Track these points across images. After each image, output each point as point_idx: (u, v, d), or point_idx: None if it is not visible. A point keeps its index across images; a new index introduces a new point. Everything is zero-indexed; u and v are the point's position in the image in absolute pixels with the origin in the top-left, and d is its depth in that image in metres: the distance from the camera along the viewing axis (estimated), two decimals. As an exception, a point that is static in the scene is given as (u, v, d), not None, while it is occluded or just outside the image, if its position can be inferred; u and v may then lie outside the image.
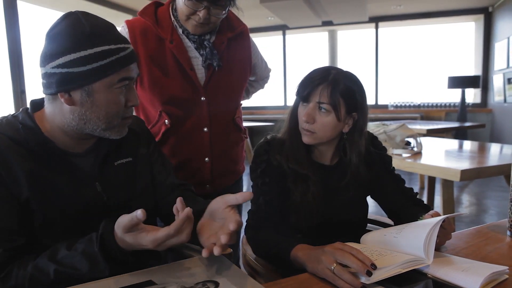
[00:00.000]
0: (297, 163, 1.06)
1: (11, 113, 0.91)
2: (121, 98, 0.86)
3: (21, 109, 0.90)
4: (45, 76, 0.82)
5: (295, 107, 1.08)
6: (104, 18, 0.87)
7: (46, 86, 0.83)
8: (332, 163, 1.11)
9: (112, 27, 0.86)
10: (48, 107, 0.87)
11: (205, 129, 1.29)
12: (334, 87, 0.99)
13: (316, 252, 0.81)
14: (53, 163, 0.86)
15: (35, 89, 3.42)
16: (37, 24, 4.49)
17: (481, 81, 5.79)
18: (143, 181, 1.00)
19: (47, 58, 0.81)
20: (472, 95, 6.14)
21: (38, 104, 0.91)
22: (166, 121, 1.27)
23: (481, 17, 5.89)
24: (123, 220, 0.74)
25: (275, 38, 6.96)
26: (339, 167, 1.10)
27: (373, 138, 1.19)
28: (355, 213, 1.14)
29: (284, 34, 6.90)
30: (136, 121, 1.08)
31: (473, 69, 6.13)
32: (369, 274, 0.71)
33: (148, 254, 0.83)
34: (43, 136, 0.86)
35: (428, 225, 0.82)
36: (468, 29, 6.28)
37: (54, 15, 4.59)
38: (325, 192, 1.06)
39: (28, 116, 0.87)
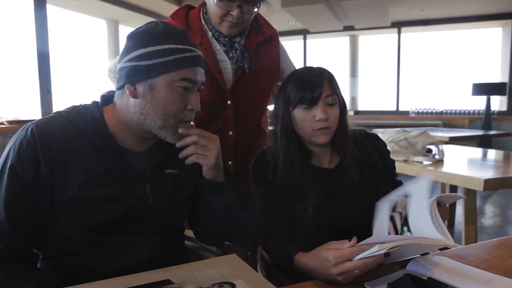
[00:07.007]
0: (292, 179, 1.03)
1: (82, 103, 0.93)
2: (181, 98, 0.87)
3: (91, 101, 0.94)
4: (119, 70, 0.88)
5: (288, 118, 1.06)
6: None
7: (118, 80, 0.89)
8: (331, 166, 1.11)
9: (185, 33, 0.91)
10: (117, 102, 0.90)
11: (230, 133, 1.30)
12: (330, 80, 1.06)
13: (323, 273, 0.79)
14: (110, 158, 0.87)
15: (60, 90, 3.52)
16: (64, 27, 4.64)
17: (508, 89, 5.62)
18: (185, 194, 0.99)
19: (122, 54, 0.88)
20: (498, 103, 5.97)
21: (107, 99, 0.94)
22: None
23: (509, 22, 5.73)
24: None
25: (296, 42, 6.95)
26: (340, 169, 1.09)
27: (375, 139, 1.16)
28: (367, 218, 1.11)
29: (305, 39, 6.88)
30: None
31: (499, 76, 5.96)
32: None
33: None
34: (107, 131, 0.88)
35: (424, 212, 0.78)
36: (495, 35, 6.11)
37: (81, 19, 4.78)
38: (329, 199, 1.04)
39: (98, 109, 0.90)
